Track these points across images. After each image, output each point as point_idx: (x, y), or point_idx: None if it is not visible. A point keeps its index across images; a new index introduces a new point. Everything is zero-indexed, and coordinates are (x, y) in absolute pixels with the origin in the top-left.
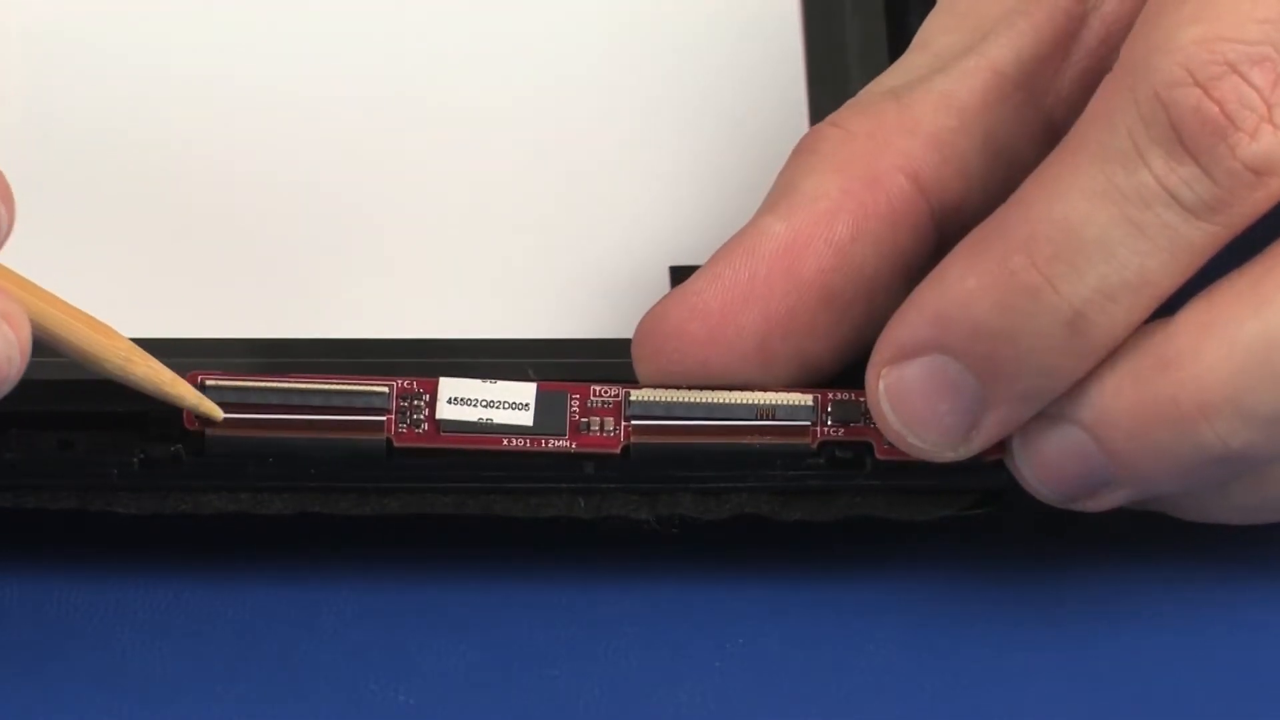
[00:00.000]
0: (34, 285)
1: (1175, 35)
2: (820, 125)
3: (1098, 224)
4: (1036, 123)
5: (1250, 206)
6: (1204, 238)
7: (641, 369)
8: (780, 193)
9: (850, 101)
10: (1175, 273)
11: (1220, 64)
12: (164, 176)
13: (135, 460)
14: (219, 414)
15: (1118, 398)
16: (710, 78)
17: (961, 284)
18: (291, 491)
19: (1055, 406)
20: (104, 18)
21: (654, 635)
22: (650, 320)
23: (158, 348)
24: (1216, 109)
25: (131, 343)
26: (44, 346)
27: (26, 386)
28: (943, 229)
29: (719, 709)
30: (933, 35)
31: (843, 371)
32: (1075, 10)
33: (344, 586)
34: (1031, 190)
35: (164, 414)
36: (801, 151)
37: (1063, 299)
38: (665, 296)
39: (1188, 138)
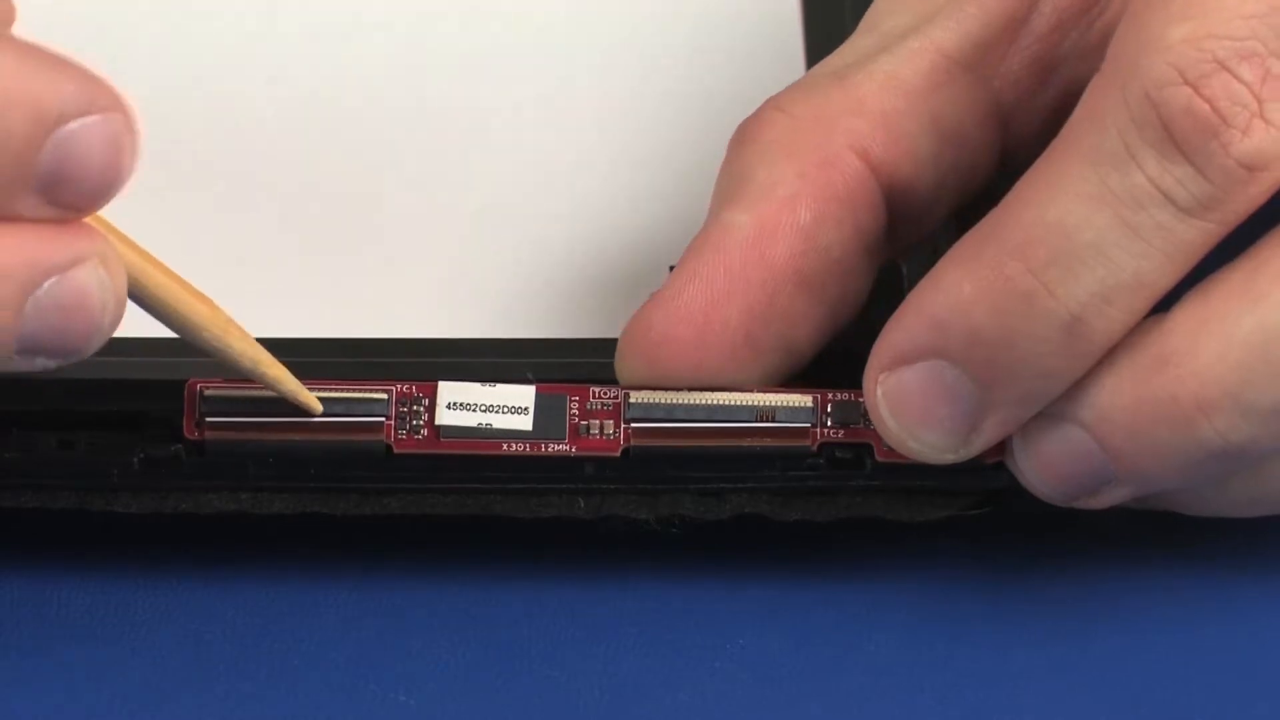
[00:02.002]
0: (136, 244)
1: (1163, 34)
2: (762, 111)
3: (1092, 227)
4: (984, 104)
5: (1244, 203)
6: (1199, 236)
7: (632, 379)
8: (736, 185)
9: (794, 84)
10: (1171, 272)
11: (1209, 61)
12: (163, 177)
13: (135, 460)
14: (318, 407)
15: (1117, 396)
16: (710, 78)
17: (957, 290)
18: (291, 492)
19: (1055, 406)
20: (107, 17)
21: (654, 635)
22: (635, 331)
23: (158, 347)
24: (1208, 107)
25: (231, 317)
26: (140, 308)
27: (26, 385)
28: (893, 207)
29: (719, 709)
30: (880, 17)
31: (836, 367)
32: None
33: (344, 586)
34: (1024, 193)
35: (164, 413)
36: (747, 139)
37: (1059, 303)
38: (643, 306)
39: (1180, 137)
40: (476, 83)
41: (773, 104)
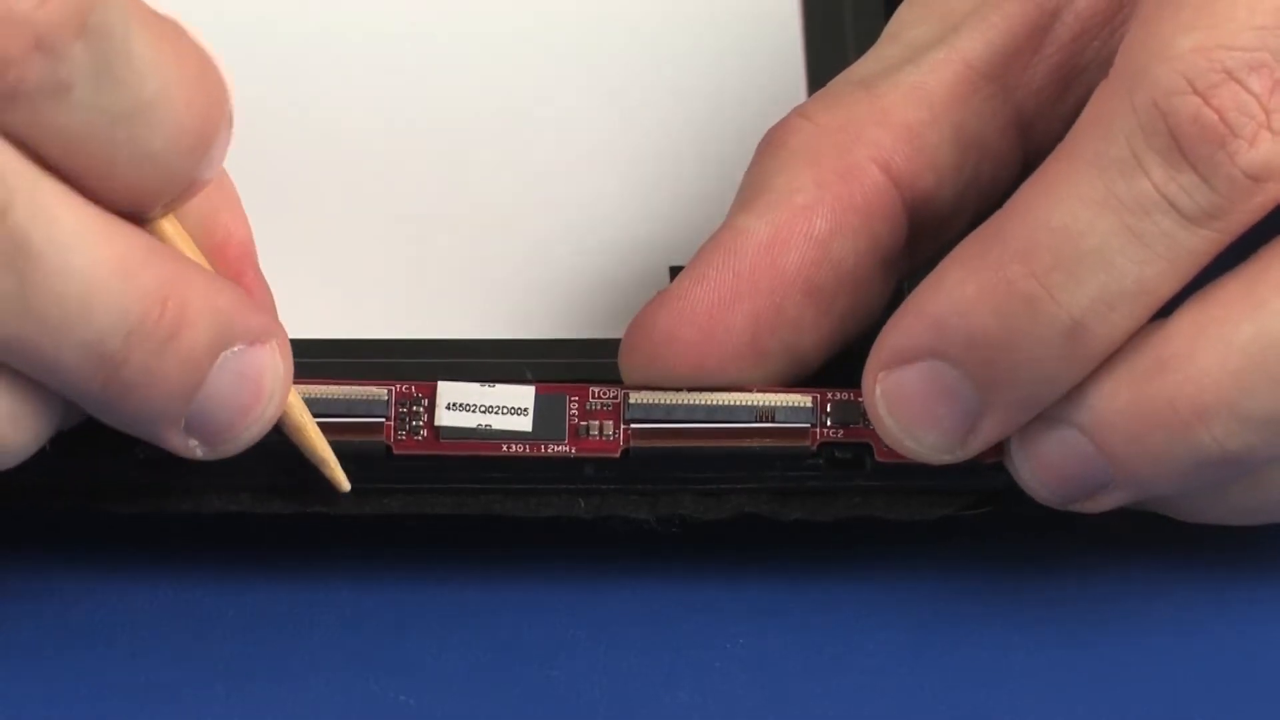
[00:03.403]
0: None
1: (1173, 43)
2: (789, 118)
3: (1097, 233)
4: (1006, 114)
5: (1249, 213)
6: (1202, 244)
7: (635, 377)
8: (755, 191)
9: (819, 93)
10: (1173, 280)
11: (1218, 71)
12: None
13: (135, 460)
14: (345, 486)
15: (1115, 401)
16: (710, 78)
17: (959, 291)
18: (292, 492)
19: (1053, 409)
20: None
21: (654, 635)
22: (639, 328)
23: None
24: (1215, 117)
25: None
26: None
27: None
28: (914, 219)
29: (719, 709)
30: (904, 26)
31: (835, 367)
32: (1047, 4)
33: (344, 586)
34: (1029, 197)
35: None
36: (771, 146)
37: (1061, 308)
38: (649, 304)
39: (1187, 146)
40: (476, 85)
41: (798, 112)
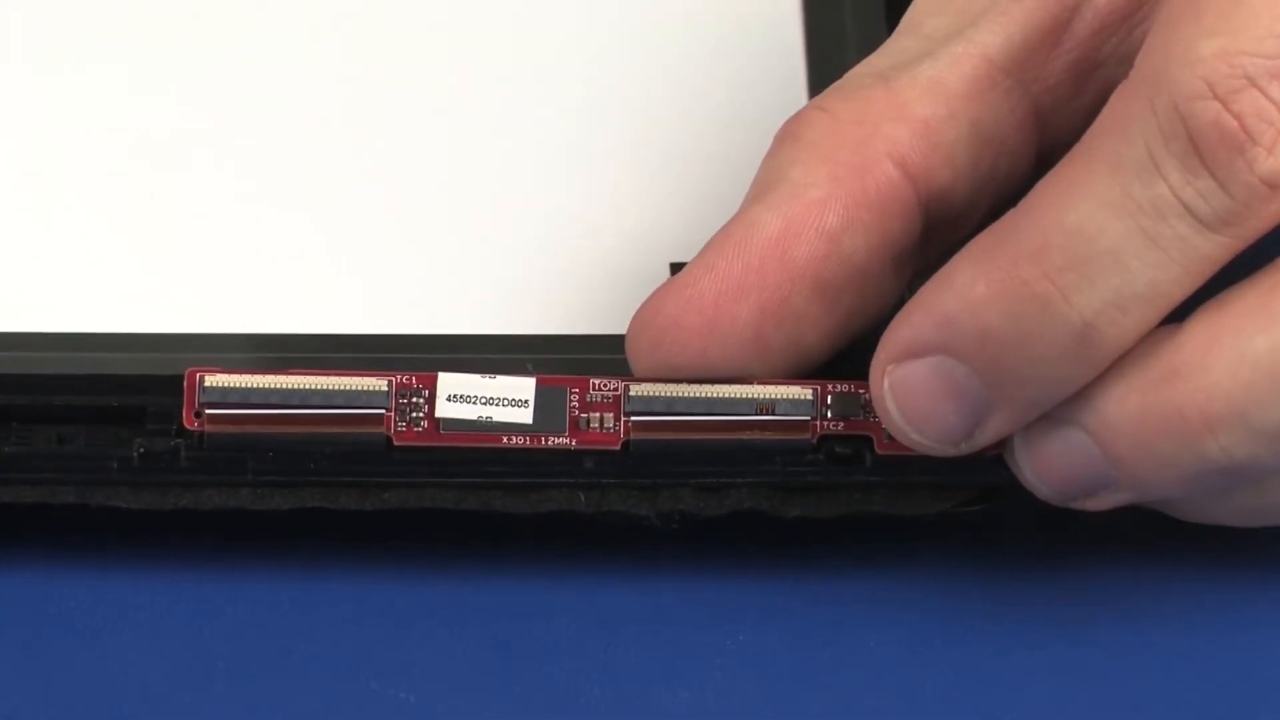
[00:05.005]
0: None
1: (1194, 47)
2: (806, 110)
3: (1111, 235)
4: (1024, 110)
5: (1264, 220)
6: (1217, 250)
7: (638, 363)
8: (768, 182)
9: (836, 84)
10: (1186, 284)
11: (1239, 77)
12: (160, 172)
13: (135, 455)
14: None
15: (1123, 405)
16: (711, 77)
17: (971, 289)
18: (291, 487)
19: (1059, 409)
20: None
21: (654, 634)
22: (645, 314)
23: (158, 343)
24: (1235, 123)
25: None
26: None
27: (25, 380)
28: (928, 216)
29: (719, 708)
30: (922, 18)
31: (838, 361)
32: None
33: (344, 584)
34: (1043, 197)
35: (163, 408)
36: (788, 138)
37: (1073, 310)
38: (658, 290)
39: (1205, 151)
40: (477, 79)
41: (815, 103)
